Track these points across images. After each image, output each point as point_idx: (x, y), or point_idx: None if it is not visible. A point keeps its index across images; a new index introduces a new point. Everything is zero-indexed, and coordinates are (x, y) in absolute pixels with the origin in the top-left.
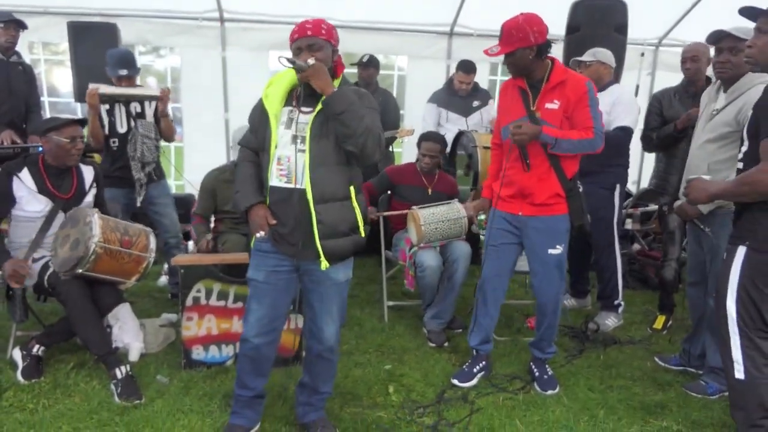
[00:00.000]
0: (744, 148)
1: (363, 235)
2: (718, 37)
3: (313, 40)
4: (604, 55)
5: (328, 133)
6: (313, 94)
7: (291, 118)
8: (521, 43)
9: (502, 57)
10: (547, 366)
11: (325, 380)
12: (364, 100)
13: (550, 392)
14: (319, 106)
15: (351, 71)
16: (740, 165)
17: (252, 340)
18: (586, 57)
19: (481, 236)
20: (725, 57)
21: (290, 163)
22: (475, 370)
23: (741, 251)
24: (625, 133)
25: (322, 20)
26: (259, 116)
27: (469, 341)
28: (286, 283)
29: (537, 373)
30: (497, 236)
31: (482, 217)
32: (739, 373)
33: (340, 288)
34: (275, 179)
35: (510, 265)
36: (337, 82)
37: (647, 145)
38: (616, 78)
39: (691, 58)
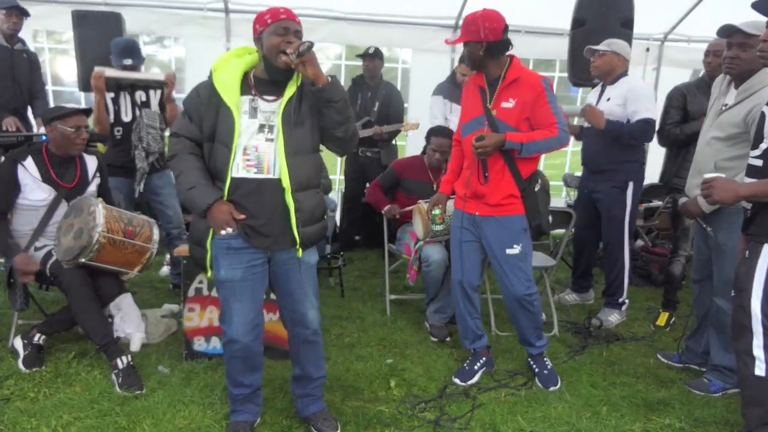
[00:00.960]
0: (764, 146)
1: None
2: (729, 32)
3: (301, 30)
4: (620, 46)
5: (303, 120)
6: (275, 82)
7: (254, 107)
8: (470, 37)
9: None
10: (545, 360)
11: (317, 365)
12: None
13: (552, 388)
14: (289, 93)
15: (356, 63)
16: (759, 162)
17: (241, 341)
18: (602, 46)
19: (435, 229)
20: (734, 52)
21: (258, 152)
22: (476, 367)
23: (765, 249)
24: (650, 126)
25: None
26: (208, 105)
27: (463, 344)
28: (260, 276)
29: (536, 369)
30: (460, 234)
31: (437, 212)
32: (760, 370)
33: (312, 270)
34: (241, 170)
35: (477, 262)
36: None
37: (664, 139)
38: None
39: (713, 52)
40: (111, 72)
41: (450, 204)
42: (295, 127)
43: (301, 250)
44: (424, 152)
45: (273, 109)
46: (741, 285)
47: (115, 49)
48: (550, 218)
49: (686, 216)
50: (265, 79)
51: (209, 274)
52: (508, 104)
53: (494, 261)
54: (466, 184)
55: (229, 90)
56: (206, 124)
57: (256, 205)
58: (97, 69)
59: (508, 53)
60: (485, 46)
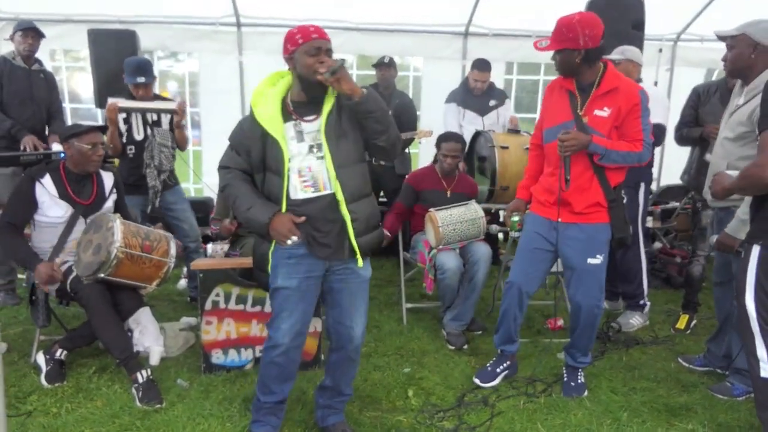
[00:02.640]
0: None
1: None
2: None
3: (332, 47)
4: (633, 53)
5: (345, 133)
6: (311, 101)
7: (299, 131)
8: (569, 44)
9: (517, 55)
10: (579, 373)
11: (349, 382)
12: None
13: (575, 396)
14: (328, 109)
15: (368, 72)
16: None
17: (285, 346)
18: (615, 55)
19: (511, 237)
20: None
21: (312, 172)
22: (498, 369)
23: (756, 251)
24: (659, 130)
25: None
26: (252, 138)
27: (494, 342)
28: (315, 287)
29: (566, 378)
30: (532, 240)
31: (516, 218)
32: (765, 372)
33: (366, 284)
34: (300, 192)
35: (541, 271)
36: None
37: (679, 138)
38: None
39: None
40: (124, 103)
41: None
42: (338, 140)
43: (360, 259)
44: (434, 161)
45: (316, 128)
46: (738, 286)
47: (127, 69)
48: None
49: (724, 251)
50: (302, 101)
51: None
52: (603, 113)
53: (572, 270)
54: (549, 190)
55: (271, 121)
56: (254, 155)
57: (319, 221)
58: (110, 101)
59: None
60: (583, 54)
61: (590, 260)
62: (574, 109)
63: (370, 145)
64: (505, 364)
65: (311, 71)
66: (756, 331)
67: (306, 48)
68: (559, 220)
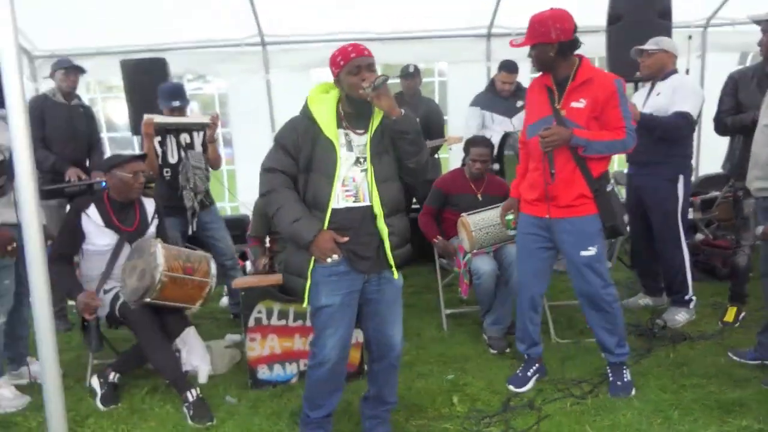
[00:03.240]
0: None
1: None
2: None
3: (372, 61)
4: (668, 43)
5: (387, 150)
6: (361, 115)
7: (349, 141)
8: (541, 38)
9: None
10: (624, 370)
11: (393, 389)
12: None
13: (623, 397)
14: (375, 125)
15: (392, 82)
16: None
17: (332, 361)
18: (649, 45)
19: (510, 234)
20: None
21: (356, 183)
22: (529, 373)
23: None
24: (685, 119)
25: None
26: (305, 137)
27: (518, 347)
28: (356, 301)
29: (612, 378)
30: (528, 241)
31: (510, 216)
32: None
33: (400, 292)
34: (342, 201)
35: (546, 267)
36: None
37: (719, 127)
38: None
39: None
40: (159, 118)
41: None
42: (381, 156)
43: (396, 272)
44: (463, 164)
45: (364, 141)
46: None
47: (162, 94)
48: (625, 218)
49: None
50: (352, 113)
51: (305, 303)
52: (579, 104)
53: (569, 263)
54: (533, 186)
55: (328, 122)
56: (303, 155)
57: (355, 232)
58: (146, 116)
59: (576, 53)
60: (557, 47)
61: (583, 252)
62: (552, 103)
63: (400, 165)
64: (534, 368)
65: (355, 89)
66: None
67: (348, 68)
68: (548, 216)
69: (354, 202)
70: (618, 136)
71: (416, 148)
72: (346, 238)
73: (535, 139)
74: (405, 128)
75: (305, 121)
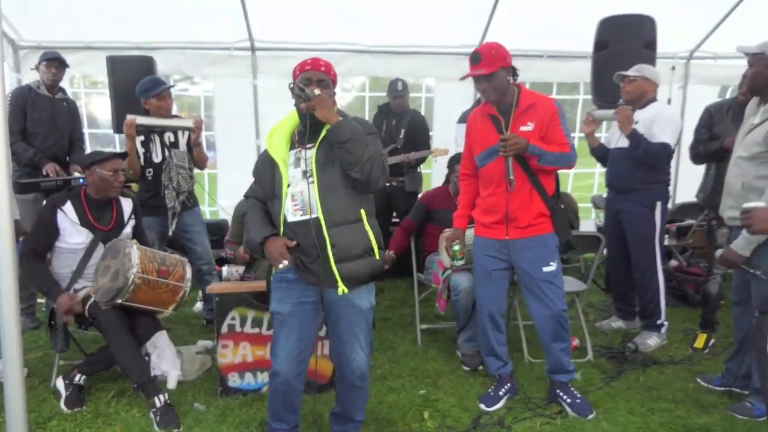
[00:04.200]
0: None
1: (377, 257)
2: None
3: (323, 77)
4: (651, 71)
5: (334, 161)
6: (314, 131)
7: (298, 158)
8: (503, 63)
9: (530, 75)
10: (572, 388)
11: (359, 408)
12: (366, 127)
13: (590, 416)
14: (320, 137)
15: (380, 94)
16: None
17: (283, 374)
18: (632, 72)
19: (453, 265)
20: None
21: (303, 196)
22: (500, 392)
23: None
24: (664, 149)
25: (330, 63)
26: (263, 167)
27: (487, 369)
28: (311, 313)
29: (569, 400)
30: (487, 263)
31: (456, 247)
32: None
33: (365, 315)
34: (291, 215)
35: (503, 289)
36: None
37: (694, 157)
38: None
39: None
40: (142, 119)
41: (469, 233)
42: (326, 167)
43: (343, 286)
44: (446, 182)
45: (311, 154)
46: (762, 307)
47: (144, 86)
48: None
49: (727, 267)
50: (303, 131)
51: None
52: (527, 127)
53: (529, 282)
54: (491, 211)
55: (277, 148)
56: (266, 183)
57: (306, 244)
58: (129, 117)
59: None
60: (510, 71)
61: (545, 268)
62: (500, 130)
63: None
64: (506, 387)
65: (299, 100)
66: None
67: (300, 79)
68: (507, 237)
69: (302, 215)
70: (564, 150)
71: (354, 158)
72: (294, 242)
73: (490, 166)
74: (339, 137)
75: (265, 152)
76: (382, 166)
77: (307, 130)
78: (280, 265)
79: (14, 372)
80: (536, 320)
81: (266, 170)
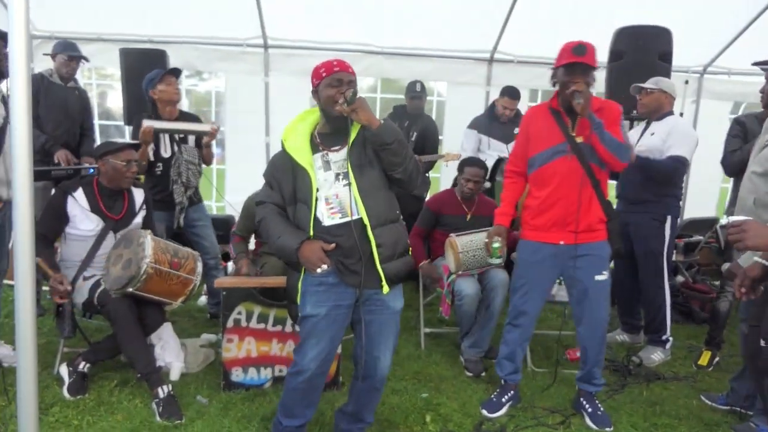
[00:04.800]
0: None
1: (411, 256)
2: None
3: (352, 78)
4: (668, 84)
5: (371, 162)
6: (338, 132)
7: (326, 161)
8: (595, 63)
9: (542, 83)
10: (596, 400)
11: (371, 410)
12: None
13: (607, 430)
14: (352, 139)
15: (391, 96)
16: None
17: (309, 373)
18: (649, 84)
19: (494, 263)
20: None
21: (339, 199)
22: (503, 399)
23: None
24: (680, 162)
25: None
26: (282, 172)
27: (498, 371)
28: (344, 317)
29: (590, 409)
30: (543, 271)
31: (497, 245)
32: None
33: (396, 317)
34: (328, 219)
35: (546, 297)
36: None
37: (729, 167)
38: None
39: None
40: (159, 125)
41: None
42: (363, 168)
43: (387, 286)
44: (454, 185)
45: (342, 156)
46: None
47: (153, 76)
48: None
49: (732, 281)
50: (328, 133)
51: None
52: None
53: (580, 289)
54: (550, 213)
55: (300, 152)
56: (285, 188)
57: (347, 247)
58: (146, 123)
59: None
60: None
61: (598, 277)
62: (565, 130)
63: (387, 176)
64: (509, 394)
65: (331, 102)
66: None
67: (328, 81)
68: (562, 242)
69: (341, 218)
70: (624, 142)
71: (400, 159)
72: (332, 245)
73: (552, 164)
74: (385, 139)
75: (283, 156)
76: (417, 164)
77: (328, 136)
78: (319, 270)
79: (27, 356)
80: (583, 328)
81: (286, 176)
